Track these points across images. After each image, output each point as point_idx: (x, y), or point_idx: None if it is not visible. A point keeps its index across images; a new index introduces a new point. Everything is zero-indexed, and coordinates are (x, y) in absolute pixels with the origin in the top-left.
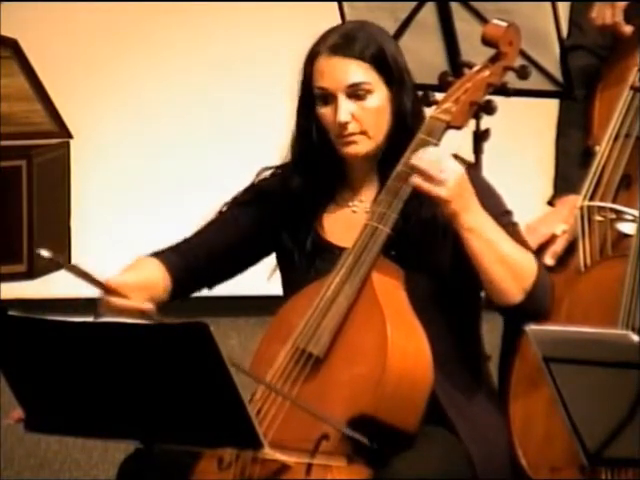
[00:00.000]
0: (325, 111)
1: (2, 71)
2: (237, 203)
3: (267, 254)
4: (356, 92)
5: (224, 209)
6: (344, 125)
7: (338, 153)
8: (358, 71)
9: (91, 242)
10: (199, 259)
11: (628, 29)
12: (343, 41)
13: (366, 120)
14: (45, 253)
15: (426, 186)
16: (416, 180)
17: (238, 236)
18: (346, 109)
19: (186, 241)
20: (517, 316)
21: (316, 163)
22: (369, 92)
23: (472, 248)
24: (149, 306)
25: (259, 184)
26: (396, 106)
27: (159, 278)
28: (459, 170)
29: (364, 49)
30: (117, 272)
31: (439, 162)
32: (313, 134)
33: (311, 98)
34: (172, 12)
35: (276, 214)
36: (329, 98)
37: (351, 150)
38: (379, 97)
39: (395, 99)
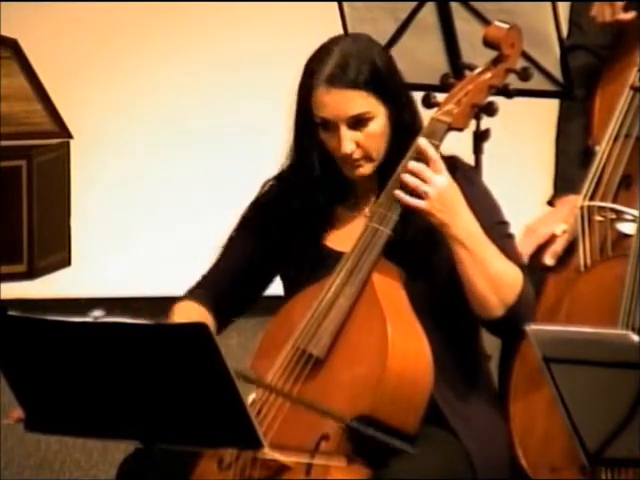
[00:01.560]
0: (327, 137)
1: (2, 71)
2: (245, 225)
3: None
4: (358, 122)
5: (234, 235)
6: (349, 155)
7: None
8: (358, 101)
9: (91, 242)
10: (224, 292)
11: (629, 16)
12: (338, 71)
13: (369, 145)
14: (98, 313)
15: (406, 200)
16: (397, 193)
17: (253, 260)
18: (349, 139)
19: (206, 277)
20: (496, 330)
21: (318, 177)
22: (370, 119)
23: (458, 258)
24: None
25: (261, 199)
26: (395, 121)
27: (208, 320)
28: (442, 180)
29: (359, 75)
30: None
31: (423, 173)
32: (314, 158)
33: (311, 123)
34: (173, 12)
35: (280, 225)
36: (330, 126)
37: (357, 173)
38: (380, 121)
39: (394, 115)
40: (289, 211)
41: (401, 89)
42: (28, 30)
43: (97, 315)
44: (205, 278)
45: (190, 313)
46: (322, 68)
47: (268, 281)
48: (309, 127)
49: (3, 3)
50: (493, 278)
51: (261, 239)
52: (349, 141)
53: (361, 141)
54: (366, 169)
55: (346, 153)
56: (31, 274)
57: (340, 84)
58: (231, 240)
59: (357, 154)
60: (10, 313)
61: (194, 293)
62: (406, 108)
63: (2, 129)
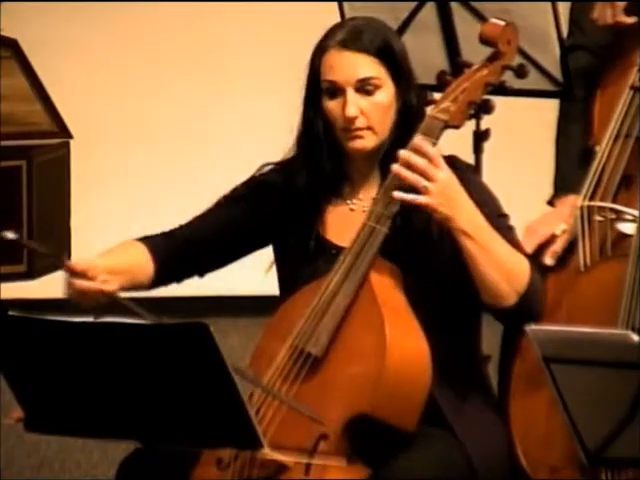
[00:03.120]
0: (332, 105)
1: (2, 71)
2: (234, 195)
3: (259, 247)
4: (365, 87)
5: (221, 200)
6: (352, 119)
7: (342, 148)
8: (368, 65)
9: (91, 242)
10: (189, 245)
11: (630, 20)
12: (352, 35)
13: (373, 115)
14: (10, 235)
15: (406, 198)
16: (396, 194)
17: (231, 227)
18: (354, 103)
19: (179, 227)
20: (510, 319)
21: (321, 158)
22: (378, 87)
23: (466, 251)
24: (111, 287)
25: (259, 178)
26: (402, 103)
27: (140, 262)
28: (443, 174)
29: (373, 43)
30: (94, 255)
31: (425, 170)
32: (319, 127)
33: (318, 92)
34: (172, 12)
35: (274, 210)
36: (337, 92)
37: (357, 145)
38: (387, 93)
39: (401, 95)
40: (288, 192)
41: (410, 74)
42: (28, 30)
43: (9, 236)
44: (176, 229)
45: (123, 253)
46: (336, 33)
47: (237, 256)
48: (316, 99)
49: (3, 3)
50: (503, 267)
51: (246, 213)
52: (354, 105)
53: (366, 109)
54: (367, 142)
55: (350, 116)
56: (31, 274)
57: (353, 47)
58: (216, 205)
59: (360, 122)
60: (10, 313)
61: (152, 238)
62: (415, 96)
63: (2, 129)
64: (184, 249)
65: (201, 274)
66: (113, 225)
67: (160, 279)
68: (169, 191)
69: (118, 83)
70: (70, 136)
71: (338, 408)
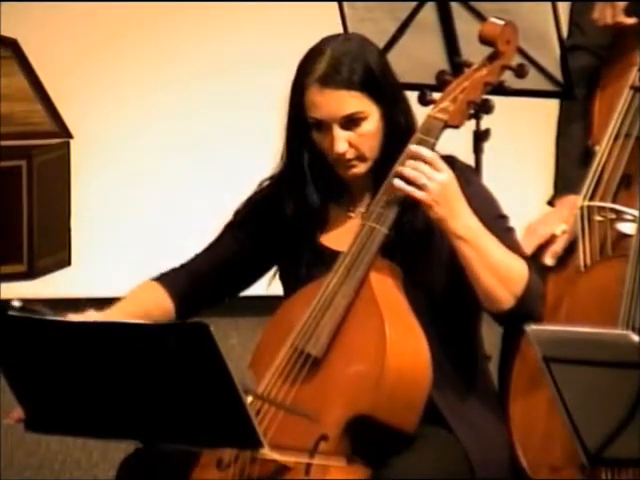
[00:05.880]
0: (320, 138)
1: (2, 71)
2: (238, 221)
3: (270, 267)
4: (351, 121)
5: (225, 228)
6: (342, 155)
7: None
8: (351, 101)
9: (91, 242)
10: (203, 278)
11: (630, 20)
12: (331, 70)
13: (362, 145)
14: (17, 303)
15: (405, 188)
16: (397, 182)
17: (240, 255)
18: (342, 139)
19: (190, 261)
20: (508, 322)
21: (309, 180)
22: (364, 119)
23: (462, 254)
24: None
25: (257, 198)
26: (389, 121)
27: (158, 305)
28: (443, 176)
29: (353, 75)
30: (113, 306)
31: (421, 166)
32: (305, 159)
33: (304, 124)
34: (173, 11)
35: (275, 225)
36: (324, 127)
37: (350, 173)
38: (373, 120)
39: (387, 115)
40: (283, 213)
41: (394, 88)
42: (28, 30)
43: (16, 305)
44: (187, 263)
45: (139, 299)
46: (314, 68)
47: (250, 279)
48: (301, 128)
49: (3, 3)
50: (499, 270)
51: (250, 237)
52: (342, 141)
53: (354, 141)
54: (360, 169)
55: (339, 153)
56: (31, 274)
57: (333, 84)
58: (221, 235)
59: (350, 154)
60: (10, 313)
61: (167, 276)
62: (400, 108)
63: (2, 129)
64: (199, 283)
65: (216, 304)
66: (113, 225)
67: (180, 315)
68: (169, 192)
69: (118, 83)
70: (70, 136)
71: (338, 409)
